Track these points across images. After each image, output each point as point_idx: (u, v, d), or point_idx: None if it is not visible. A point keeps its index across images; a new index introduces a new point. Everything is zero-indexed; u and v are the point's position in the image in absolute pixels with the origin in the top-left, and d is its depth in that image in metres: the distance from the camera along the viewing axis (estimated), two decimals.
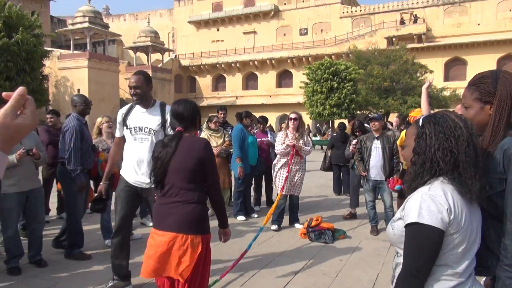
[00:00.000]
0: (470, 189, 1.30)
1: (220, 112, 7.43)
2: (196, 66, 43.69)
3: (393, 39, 34.40)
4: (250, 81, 43.07)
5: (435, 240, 1.26)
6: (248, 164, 6.39)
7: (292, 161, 5.52)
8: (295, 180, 5.70)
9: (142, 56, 41.20)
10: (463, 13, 34.37)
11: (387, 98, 28.11)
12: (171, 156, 2.29)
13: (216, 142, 6.57)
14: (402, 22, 35.23)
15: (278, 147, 5.63)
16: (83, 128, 4.34)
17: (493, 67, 32.74)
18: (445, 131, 1.34)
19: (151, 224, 5.70)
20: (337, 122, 14.39)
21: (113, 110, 30.82)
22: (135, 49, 38.87)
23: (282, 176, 5.59)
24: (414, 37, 34.33)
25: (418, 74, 28.84)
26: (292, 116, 5.67)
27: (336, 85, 26.68)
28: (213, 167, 2.42)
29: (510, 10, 32.68)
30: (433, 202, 1.28)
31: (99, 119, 5.48)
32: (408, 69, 28.33)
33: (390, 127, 9.17)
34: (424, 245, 1.27)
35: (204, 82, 44.45)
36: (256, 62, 40.94)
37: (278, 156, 5.76)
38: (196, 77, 44.72)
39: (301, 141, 5.61)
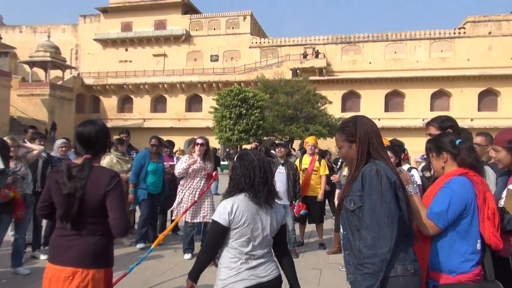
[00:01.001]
0: (259, 197, 2.06)
1: (121, 135, 7.17)
2: (101, 86, 41.58)
3: (298, 71, 36.78)
4: (159, 104, 42.22)
5: (218, 230, 2.04)
6: (145, 192, 6.18)
7: (196, 188, 5.44)
8: (205, 206, 5.50)
9: (40, 72, 38.02)
10: (357, 51, 38.29)
11: (291, 126, 29.76)
12: (83, 190, 2.07)
13: (126, 166, 6.33)
14: (305, 56, 37.96)
15: (180, 167, 5.38)
16: None
17: (382, 101, 36.89)
18: (246, 164, 2.11)
19: (43, 257, 5.21)
20: (246, 147, 14.84)
21: (0, 129, 27.70)
22: (32, 63, 35.77)
23: (189, 201, 5.42)
24: (316, 70, 37.14)
25: (319, 104, 31.12)
26: (199, 141, 5.52)
27: (244, 111, 27.54)
28: (120, 202, 2.14)
29: (395, 52, 37.32)
30: (223, 207, 2.05)
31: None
32: (310, 99, 30.41)
33: (293, 153, 9.73)
34: (214, 232, 2.06)
35: (109, 103, 42.39)
36: (165, 85, 40.41)
37: (183, 181, 5.58)
38: (101, 97, 42.49)
39: (209, 166, 5.59)
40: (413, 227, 1.88)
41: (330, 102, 31.72)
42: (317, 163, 6.52)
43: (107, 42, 43.25)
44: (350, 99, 38.16)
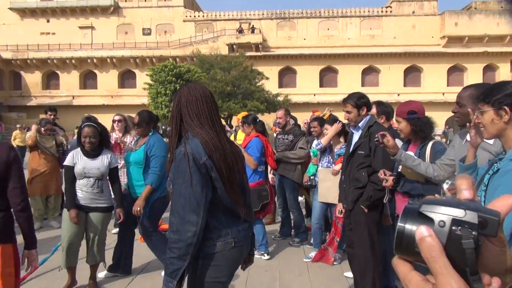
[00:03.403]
0: None
1: (49, 113, 6.81)
2: (21, 60, 38.11)
3: (234, 46, 36.49)
4: (88, 80, 39.79)
5: None
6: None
7: None
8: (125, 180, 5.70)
9: None
10: (292, 28, 38.75)
11: (229, 102, 29.70)
12: None
13: (49, 143, 6.10)
14: (241, 31, 37.67)
15: None
16: None
17: (317, 76, 37.98)
18: None
19: None
20: None
21: None
22: None
23: None
24: (252, 45, 37.10)
25: (256, 80, 31.30)
26: (116, 118, 5.82)
27: (179, 87, 26.91)
28: (20, 173, 2.22)
29: (328, 29, 38.33)
30: None
31: None
32: (248, 76, 30.46)
33: (228, 129, 9.82)
34: None
35: (32, 79, 39.12)
36: (95, 60, 38.06)
37: None
38: (22, 72, 39.04)
39: (127, 139, 5.69)
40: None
41: (267, 78, 31.98)
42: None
43: (25, 12, 39.44)
44: (286, 75, 38.78)
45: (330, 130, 4.66)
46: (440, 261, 0.43)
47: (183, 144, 1.73)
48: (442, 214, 0.45)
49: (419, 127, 2.90)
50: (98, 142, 3.66)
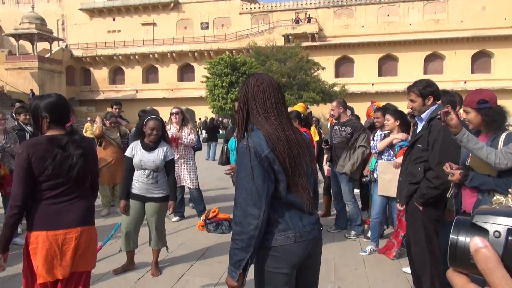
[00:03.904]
0: None
1: (115, 107, 7.27)
2: (90, 57, 40.78)
3: (290, 37, 36.18)
4: (150, 74, 41.65)
5: None
6: None
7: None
8: (182, 172, 5.89)
9: (27, 44, 37.10)
10: (350, 15, 37.58)
11: (284, 93, 29.61)
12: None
13: (114, 135, 6.54)
14: (297, 21, 37.24)
15: None
16: None
17: (375, 65, 36.60)
18: None
19: None
20: None
21: None
22: (17, 36, 34.84)
23: None
24: (308, 35, 36.54)
25: (312, 71, 30.87)
26: (174, 110, 5.94)
27: (235, 79, 27.31)
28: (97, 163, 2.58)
29: (388, 15, 36.70)
30: None
31: None
32: (303, 66, 30.13)
33: None
34: None
35: (100, 75, 41.75)
36: (156, 55, 39.72)
37: None
38: (91, 69, 41.79)
39: (184, 132, 5.83)
40: None
41: (323, 68, 31.42)
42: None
43: (93, 12, 42.04)
44: (343, 65, 37.80)
45: (385, 140, 4.54)
46: (498, 272, 0.42)
47: (245, 137, 1.75)
48: (497, 224, 0.43)
49: (492, 118, 2.65)
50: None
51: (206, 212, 5.64)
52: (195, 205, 6.19)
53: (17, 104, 6.26)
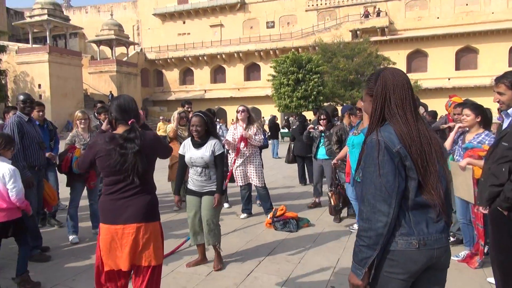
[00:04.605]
0: None
1: (186, 106, 7.53)
2: (162, 60, 42.97)
3: (358, 32, 35.09)
4: (218, 74, 42.85)
5: None
6: None
7: (239, 153, 5.82)
8: (249, 170, 5.94)
9: (106, 49, 40.11)
10: (423, 6, 35.50)
11: (352, 90, 28.78)
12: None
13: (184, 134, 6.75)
14: (366, 15, 35.99)
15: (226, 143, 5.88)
16: (23, 125, 4.38)
17: (452, 59, 34.19)
18: None
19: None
20: (306, 115, 14.68)
21: (77, 106, 29.94)
22: (98, 42, 37.81)
23: (237, 169, 5.97)
24: (378, 30, 35.15)
25: (381, 66, 29.63)
26: (240, 108, 5.97)
27: (301, 77, 27.07)
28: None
29: (467, 4, 34.07)
30: None
31: (76, 114, 5.34)
32: (372, 62, 29.05)
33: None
34: None
35: (172, 76, 43.83)
36: (223, 55, 40.75)
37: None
38: (163, 70, 44.01)
39: (250, 131, 5.83)
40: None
41: (394, 63, 29.96)
42: None
43: (165, 16, 44.23)
44: (416, 59, 35.83)
45: (450, 137, 4.17)
46: None
47: (375, 132, 1.69)
48: None
49: None
50: (205, 132, 3.84)
51: (273, 210, 5.62)
52: (262, 202, 6.20)
53: (98, 105, 6.79)
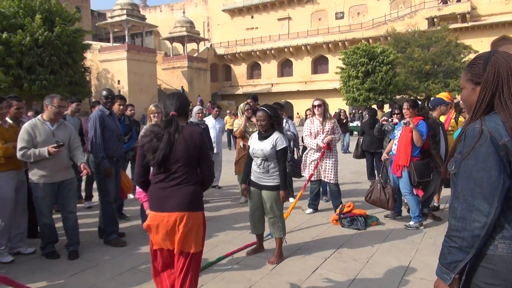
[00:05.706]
0: None
1: (249, 100, 7.50)
2: (231, 55, 43.85)
3: (435, 20, 32.86)
4: (285, 68, 42.75)
5: None
6: None
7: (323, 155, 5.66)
8: (324, 166, 5.71)
9: (178, 46, 41.83)
10: None
11: (428, 82, 27.05)
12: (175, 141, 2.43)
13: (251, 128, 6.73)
14: (445, 1, 33.52)
15: (306, 140, 5.75)
16: (105, 118, 4.62)
17: None
18: None
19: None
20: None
21: (151, 100, 31.62)
22: (171, 39, 39.50)
23: (312, 164, 5.74)
24: (458, 16, 32.61)
25: (461, 56, 27.48)
26: (316, 103, 5.73)
27: (371, 68, 25.97)
28: (208, 154, 2.62)
29: None
30: None
31: (150, 108, 5.48)
32: (451, 51, 27.06)
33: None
34: None
35: (239, 70, 44.59)
36: (291, 49, 40.51)
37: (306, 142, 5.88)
38: (231, 65, 44.92)
39: (327, 126, 5.63)
40: None
41: (476, 52, 27.62)
42: (453, 121, 5.80)
43: (234, 12, 45.00)
44: (502, 46, 32.63)
45: None
46: None
47: (479, 120, 1.50)
48: None
49: None
50: (270, 125, 3.91)
51: (340, 206, 5.44)
52: (333, 199, 5.99)
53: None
